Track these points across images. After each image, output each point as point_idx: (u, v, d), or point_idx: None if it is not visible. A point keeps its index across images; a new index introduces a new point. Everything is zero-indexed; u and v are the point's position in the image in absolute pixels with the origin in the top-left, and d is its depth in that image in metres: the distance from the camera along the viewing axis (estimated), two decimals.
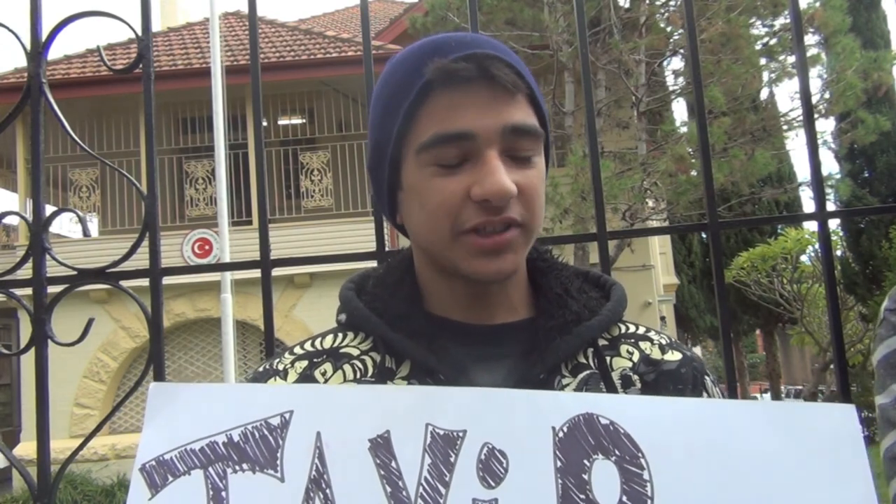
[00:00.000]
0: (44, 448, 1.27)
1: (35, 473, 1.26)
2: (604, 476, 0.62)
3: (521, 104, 0.69)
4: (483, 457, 0.63)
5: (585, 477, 0.62)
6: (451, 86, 0.67)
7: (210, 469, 0.65)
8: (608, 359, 0.76)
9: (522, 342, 0.75)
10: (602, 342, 0.77)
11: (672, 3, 9.45)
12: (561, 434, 0.63)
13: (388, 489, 0.62)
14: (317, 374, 0.75)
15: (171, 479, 0.66)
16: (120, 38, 11.48)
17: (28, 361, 8.61)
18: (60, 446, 8.00)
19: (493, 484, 0.62)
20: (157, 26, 12.34)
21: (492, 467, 0.62)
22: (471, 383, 0.72)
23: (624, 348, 0.77)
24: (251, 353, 10.52)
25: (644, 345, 0.78)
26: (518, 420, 0.64)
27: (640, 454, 0.62)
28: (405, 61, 0.72)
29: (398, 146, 0.71)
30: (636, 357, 0.77)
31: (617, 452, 0.63)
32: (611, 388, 0.73)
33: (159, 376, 1.26)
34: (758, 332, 21.10)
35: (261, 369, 0.80)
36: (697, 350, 24.14)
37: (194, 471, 0.66)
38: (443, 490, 0.62)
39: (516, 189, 0.67)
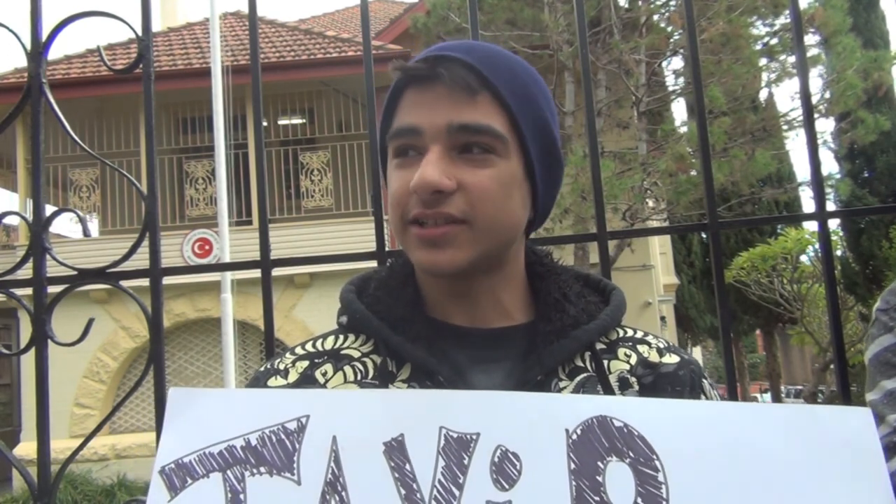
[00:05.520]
0: (44, 448, 1.27)
1: (35, 473, 1.26)
2: (618, 478, 0.62)
3: (481, 105, 0.70)
4: (496, 459, 0.63)
5: (599, 479, 0.62)
6: (416, 86, 0.72)
7: (228, 472, 0.66)
8: (606, 362, 0.76)
9: (520, 346, 0.75)
10: (600, 346, 0.77)
11: (672, 3, 9.45)
12: (574, 436, 0.63)
13: (403, 492, 0.63)
14: (317, 374, 0.76)
15: (190, 481, 0.67)
16: (120, 38, 11.48)
17: (28, 361, 8.60)
18: (60, 446, 8.00)
19: (506, 486, 0.62)
20: (157, 26, 12.34)
21: (505, 469, 0.63)
22: (469, 386, 0.72)
23: (622, 351, 0.77)
24: (251, 353, 10.52)
25: (642, 348, 0.78)
26: (531, 422, 0.64)
27: (654, 456, 0.63)
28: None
29: (383, 143, 0.77)
30: (634, 360, 0.77)
31: (631, 454, 0.63)
32: (608, 391, 0.73)
33: (159, 376, 1.26)
34: (758, 332, 21.09)
35: (262, 369, 0.80)
36: (697, 350, 24.14)
37: (213, 474, 0.67)
38: (456, 492, 0.62)
39: (449, 184, 0.68)
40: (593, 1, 8.63)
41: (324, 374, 0.75)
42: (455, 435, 0.64)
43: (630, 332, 0.80)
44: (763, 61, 9.14)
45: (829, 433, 0.63)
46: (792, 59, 8.60)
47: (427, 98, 0.71)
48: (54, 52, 5.81)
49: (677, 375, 0.77)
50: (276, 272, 1.50)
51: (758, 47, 9.02)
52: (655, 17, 9.49)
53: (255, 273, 1.33)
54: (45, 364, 1.28)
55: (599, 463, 0.62)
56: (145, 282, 1.31)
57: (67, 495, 8.49)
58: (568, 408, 0.65)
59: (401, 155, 0.73)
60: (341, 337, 0.79)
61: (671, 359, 0.78)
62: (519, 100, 0.72)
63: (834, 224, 12.82)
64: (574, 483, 0.62)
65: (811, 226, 10.93)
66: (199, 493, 0.66)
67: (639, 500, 0.61)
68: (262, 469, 0.66)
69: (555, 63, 9.07)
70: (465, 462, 0.63)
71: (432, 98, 0.70)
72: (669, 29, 9.31)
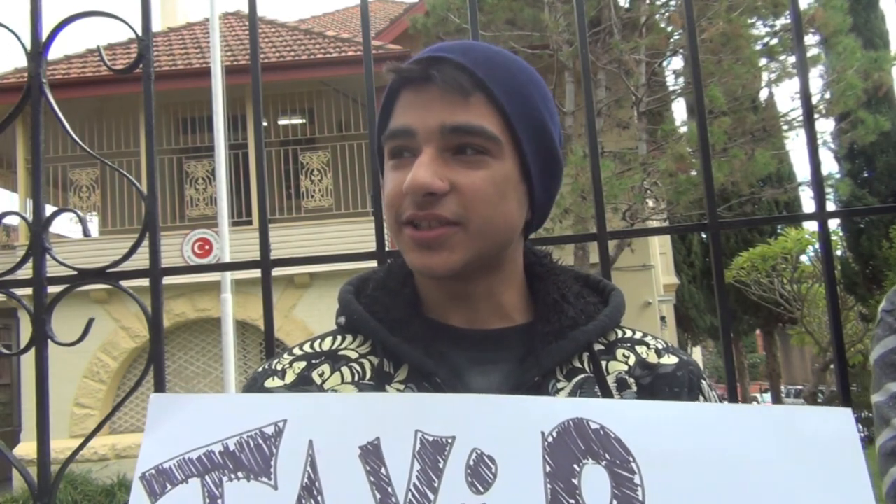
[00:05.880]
0: (44, 448, 1.27)
1: (35, 473, 1.26)
2: (594, 480, 0.62)
3: (474, 106, 0.70)
4: (472, 462, 0.63)
5: (575, 481, 0.62)
6: (410, 87, 0.72)
7: (207, 477, 0.67)
8: (604, 363, 0.75)
9: (519, 347, 0.75)
10: (598, 347, 0.77)
11: (672, 2, 9.45)
12: (550, 439, 0.63)
13: (378, 495, 0.63)
14: (314, 375, 0.76)
15: (169, 487, 0.67)
16: (120, 38, 11.48)
17: (28, 361, 8.61)
18: (60, 446, 8.01)
19: (481, 489, 0.62)
20: (157, 26, 12.34)
21: (480, 473, 0.62)
22: (467, 387, 0.72)
23: (620, 352, 0.77)
24: (251, 353, 10.52)
25: (640, 349, 0.78)
26: (507, 425, 0.64)
27: (630, 458, 0.62)
28: None
29: (380, 142, 0.77)
30: (632, 361, 0.77)
31: (607, 457, 0.62)
32: (606, 392, 0.73)
33: (159, 376, 1.26)
34: (758, 332, 21.09)
35: (260, 370, 0.80)
36: (697, 350, 24.14)
37: (192, 479, 0.67)
38: (431, 496, 0.62)
39: (442, 185, 0.68)
40: (593, 1, 8.63)
41: (321, 375, 0.75)
42: (430, 438, 0.64)
43: (629, 333, 0.80)
44: (763, 61, 9.15)
45: (808, 434, 0.63)
46: (792, 59, 8.60)
47: (421, 99, 0.70)
48: (54, 52, 5.81)
49: (675, 376, 0.76)
50: (276, 272, 1.50)
51: (758, 47, 9.03)
52: (656, 17, 9.49)
53: (255, 273, 1.33)
54: (45, 364, 1.28)
55: (575, 465, 0.62)
56: (145, 282, 1.31)
57: (67, 495, 8.49)
58: (544, 410, 0.65)
59: (396, 156, 0.73)
60: (339, 338, 0.79)
61: (669, 360, 0.78)
62: (514, 100, 0.71)
63: (834, 224, 12.83)
64: (549, 486, 0.62)
65: (811, 226, 10.93)
66: (178, 499, 0.66)
67: (615, 502, 0.61)
68: (240, 474, 0.66)
69: (555, 63, 9.07)
70: (441, 465, 0.63)
71: (426, 99, 0.70)
72: (669, 29, 9.31)
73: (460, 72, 0.70)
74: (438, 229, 0.69)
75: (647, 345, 0.79)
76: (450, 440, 0.64)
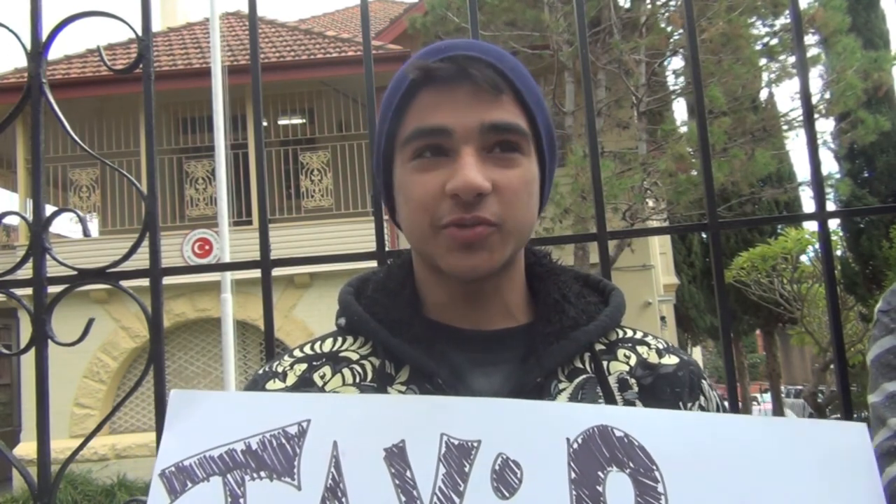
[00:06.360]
0: (44, 448, 1.27)
1: (35, 473, 1.26)
2: (618, 488, 0.62)
3: (506, 104, 0.70)
4: (497, 467, 0.63)
5: (600, 489, 0.62)
6: (435, 85, 0.70)
7: (228, 476, 0.66)
8: (605, 363, 0.75)
9: (520, 347, 0.75)
10: (599, 347, 0.77)
11: (672, 3, 9.45)
12: (576, 445, 0.63)
13: (403, 498, 0.62)
14: (315, 377, 0.75)
15: (190, 485, 0.66)
16: (120, 38, 11.48)
17: (28, 361, 8.60)
18: (60, 446, 8.00)
19: (507, 494, 0.62)
20: (157, 26, 12.34)
21: (506, 478, 0.62)
22: (469, 388, 0.72)
23: (621, 353, 0.77)
24: (251, 353, 10.52)
25: (641, 349, 0.78)
26: (533, 431, 0.64)
27: (654, 467, 0.63)
28: (403, 66, 0.74)
29: (390, 145, 0.74)
30: (633, 361, 0.77)
31: (631, 465, 0.63)
32: (607, 393, 0.73)
33: (159, 376, 1.26)
34: (758, 332, 21.06)
35: (260, 371, 0.80)
36: (697, 350, 24.14)
37: (213, 477, 0.66)
38: (457, 500, 0.62)
39: (489, 186, 0.68)
40: (593, 1, 8.63)
41: (322, 377, 0.75)
42: (456, 442, 0.64)
43: (629, 333, 0.80)
44: (763, 61, 9.14)
45: (826, 447, 0.63)
46: (792, 59, 8.60)
47: (451, 98, 0.69)
48: (54, 52, 5.80)
49: (676, 376, 0.76)
50: (276, 272, 1.50)
51: (758, 47, 9.02)
52: (656, 17, 9.49)
53: (255, 273, 1.33)
54: (45, 364, 1.28)
55: (600, 472, 0.62)
56: (145, 282, 1.31)
57: (67, 495, 8.49)
58: (569, 416, 0.65)
59: (418, 157, 0.71)
60: (340, 339, 0.79)
61: (670, 360, 0.78)
62: (534, 98, 0.73)
63: (834, 224, 12.82)
64: (574, 492, 0.62)
65: (811, 226, 10.92)
66: (199, 497, 0.66)
67: None
68: (263, 473, 0.65)
69: (555, 63, 9.07)
70: (466, 469, 0.63)
71: (457, 98, 0.69)
72: (669, 29, 9.30)
73: (492, 70, 0.70)
74: (479, 228, 0.68)
75: (648, 345, 0.79)
76: (475, 444, 0.64)
